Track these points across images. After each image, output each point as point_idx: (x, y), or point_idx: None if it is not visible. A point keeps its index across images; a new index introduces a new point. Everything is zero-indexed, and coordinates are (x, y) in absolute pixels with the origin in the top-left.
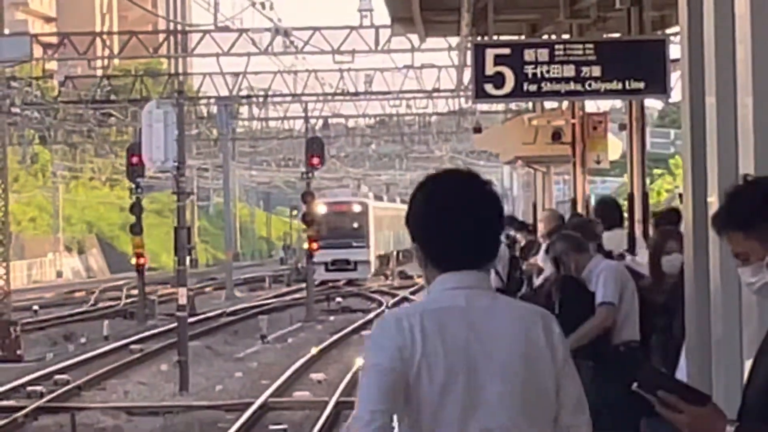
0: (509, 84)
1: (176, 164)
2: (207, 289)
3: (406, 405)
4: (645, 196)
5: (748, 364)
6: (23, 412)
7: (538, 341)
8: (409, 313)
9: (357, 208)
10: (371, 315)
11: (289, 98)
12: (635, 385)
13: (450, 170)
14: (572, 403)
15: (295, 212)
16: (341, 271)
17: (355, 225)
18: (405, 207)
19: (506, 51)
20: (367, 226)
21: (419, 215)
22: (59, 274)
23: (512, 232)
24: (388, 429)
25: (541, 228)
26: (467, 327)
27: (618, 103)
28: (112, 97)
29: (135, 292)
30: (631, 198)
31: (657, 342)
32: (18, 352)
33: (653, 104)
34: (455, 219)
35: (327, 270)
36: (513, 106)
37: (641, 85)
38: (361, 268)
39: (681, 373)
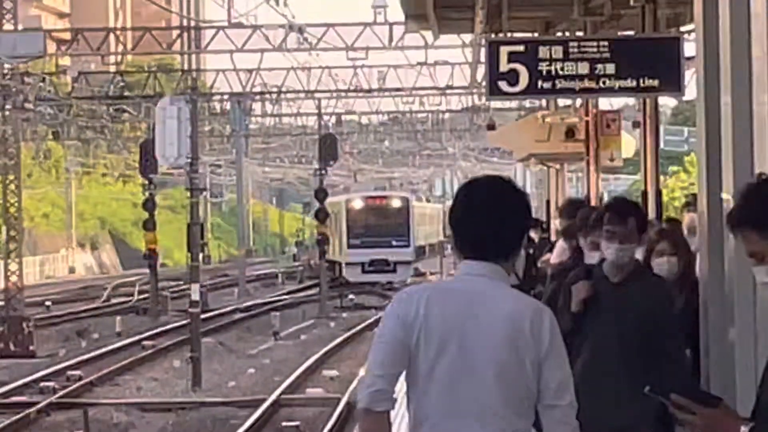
0: (523, 81)
1: (189, 160)
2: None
3: (409, 365)
4: (658, 194)
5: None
6: (36, 407)
7: (524, 331)
8: (419, 289)
9: (397, 203)
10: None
11: (302, 95)
12: (648, 388)
13: (486, 176)
14: (554, 388)
15: (307, 208)
16: (380, 272)
17: (395, 222)
18: (429, 204)
19: (520, 48)
20: (408, 224)
21: (453, 210)
22: (72, 270)
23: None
24: (386, 392)
25: (558, 224)
26: (466, 307)
27: (631, 100)
28: (126, 93)
29: (147, 288)
30: (644, 196)
31: None
32: (30, 347)
33: (667, 102)
34: (477, 217)
35: (364, 271)
36: (526, 103)
37: (655, 82)
38: (401, 269)
39: None
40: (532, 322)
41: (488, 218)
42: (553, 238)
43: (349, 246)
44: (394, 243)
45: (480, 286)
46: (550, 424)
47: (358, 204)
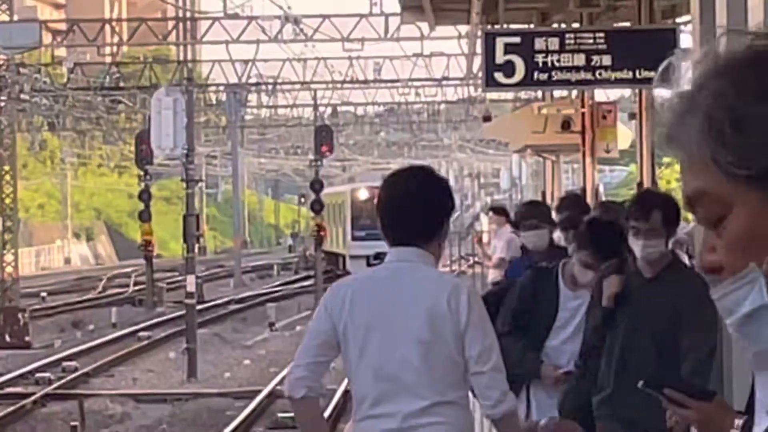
0: (519, 73)
1: (185, 151)
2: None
3: (343, 353)
4: (654, 185)
5: None
6: (31, 398)
7: (441, 308)
8: (347, 282)
9: None
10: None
11: (298, 86)
12: (642, 383)
13: (407, 167)
14: (475, 356)
15: (303, 200)
16: None
17: None
18: None
19: (517, 39)
20: None
21: (378, 201)
22: (67, 261)
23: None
24: (304, 378)
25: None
26: (388, 294)
27: (627, 92)
28: (121, 84)
29: (143, 279)
30: (640, 187)
31: None
32: (26, 338)
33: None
34: (398, 206)
35: (369, 265)
36: (522, 94)
37: (651, 74)
38: None
39: None
40: (449, 299)
41: (408, 207)
42: None
43: (354, 238)
44: None
45: (402, 272)
46: (480, 390)
47: (363, 194)
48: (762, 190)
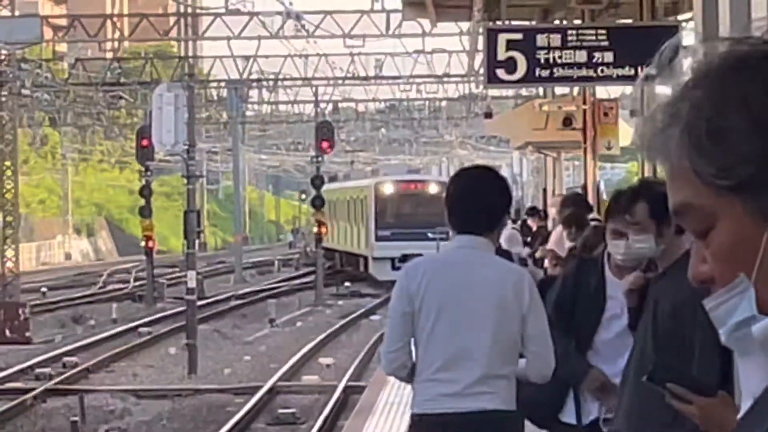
0: (521, 69)
1: (186, 147)
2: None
3: (415, 328)
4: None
5: None
6: (32, 394)
7: (507, 293)
8: (421, 263)
9: (434, 189)
10: (380, 299)
11: (299, 82)
12: (645, 378)
13: (473, 165)
14: (535, 336)
15: (304, 196)
16: None
17: (433, 211)
18: None
19: (519, 36)
20: None
21: (448, 194)
22: (68, 257)
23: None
24: (403, 361)
25: (554, 212)
26: (460, 277)
27: (629, 89)
28: (122, 79)
29: (143, 275)
30: None
31: None
32: (27, 334)
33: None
34: (464, 199)
35: (394, 268)
36: (524, 91)
37: (654, 71)
38: None
39: None
40: (514, 285)
41: (474, 199)
42: (549, 226)
43: (378, 238)
44: (430, 235)
45: (471, 258)
46: (530, 358)
47: (388, 189)
48: (745, 200)
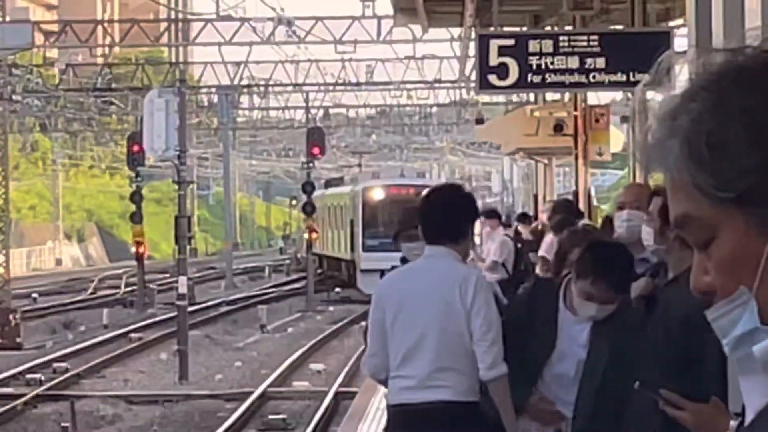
0: (513, 75)
1: (177, 153)
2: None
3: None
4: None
5: None
6: (22, 399)
7: (453, 293)
8: (392, 272)
9: None
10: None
11: (290, 88)
12: (638, 384)
13: (443, 184)
14: (478, 329)
15: (294, 202)
16: None
17: None
18: None
19: (511, 42)
20: None
21: (419, 210)
22: (59, 262)
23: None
24: (380, 365)
25: (545, 218)
26: (414, 281)
27: (619, 95)
28: (113, 85)
29: (134, 280)
30: None
31: None
32: (17, 339)
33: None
34: (432, 214)
35: None
36: (514, 97)
37: (650, 81)
38: None
39: None
40: (461, 284)
41: (440, 215)
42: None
43: (365, 248)
44: None
45: (431, 264)
46: (478, 356)
47: (378, 194)
48: (746, 212)
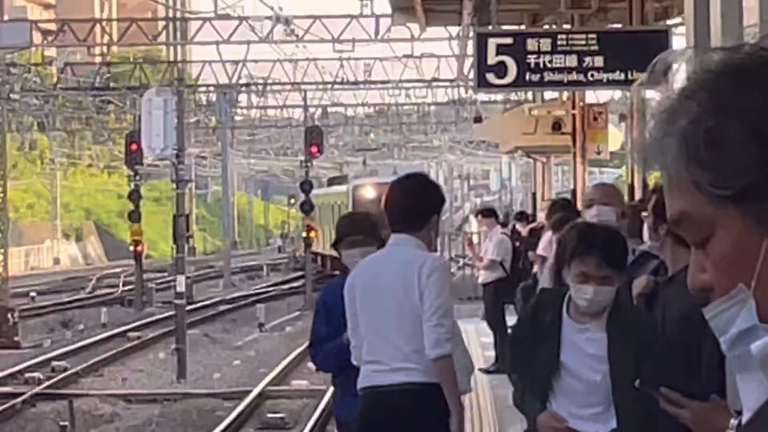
0: (511, 73)
1: (175, 152)
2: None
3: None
4: (644, 187)
5: None
6: (21, 398)
7: (412, 275)
8: (358, 265)
9: None
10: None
11: (288, 87)
12: (638, 382)
13: (407, 174)
14: (427, 308)
15: (293, 201)
16: None
17: None
18: None
19: (509, 40)
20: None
21: (385, 202)
22: (57, 261)
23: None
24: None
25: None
26: (375, 268)
27: (617, 94)
28: (111, 84)
29: (132, 279)
30: (630, 189)
31: None
32: (15, 338)
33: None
34: (396, 203)
35: None
36: (513, 96)
37: (647, 79)
38: None
39: None
40: (419, 267)
41: (403, 203)
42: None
43: None
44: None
45: (394, 252)
46: (426, 333)
47: (369, 193)
48: (743, 209)
